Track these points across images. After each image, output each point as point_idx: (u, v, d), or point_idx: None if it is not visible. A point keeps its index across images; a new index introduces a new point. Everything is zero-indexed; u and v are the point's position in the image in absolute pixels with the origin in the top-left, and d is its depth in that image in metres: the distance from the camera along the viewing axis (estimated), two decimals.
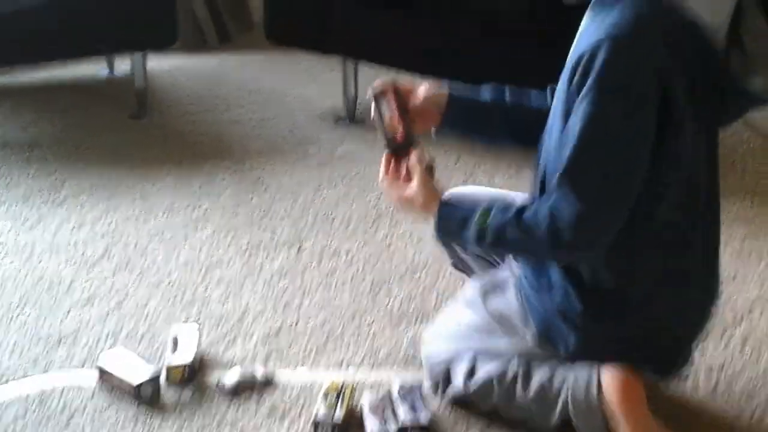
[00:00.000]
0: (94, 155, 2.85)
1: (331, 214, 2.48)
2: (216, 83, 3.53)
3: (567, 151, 1.40)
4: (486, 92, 1.69)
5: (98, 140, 2.96)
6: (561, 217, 1.40)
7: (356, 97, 3.13)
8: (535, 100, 1.67)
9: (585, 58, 1.37)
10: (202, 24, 3.92)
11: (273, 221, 2.45)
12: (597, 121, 1.37)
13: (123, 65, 3.47)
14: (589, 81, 1.37)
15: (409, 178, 1.57)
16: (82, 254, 2.26)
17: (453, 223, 1.53)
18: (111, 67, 3.60)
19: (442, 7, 2.76)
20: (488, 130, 1.70)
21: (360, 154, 2.86)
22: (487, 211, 1.49)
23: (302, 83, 3.52)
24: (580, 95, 1.38)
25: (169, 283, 2.14)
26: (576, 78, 1.39)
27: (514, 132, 1.68)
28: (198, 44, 3.92)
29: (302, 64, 3.64)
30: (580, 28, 1.49)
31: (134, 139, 2.97)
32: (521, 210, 1.46)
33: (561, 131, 1.43)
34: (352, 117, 3.13)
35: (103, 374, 1.75)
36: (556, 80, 1.50)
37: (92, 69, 3.60)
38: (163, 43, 3.18)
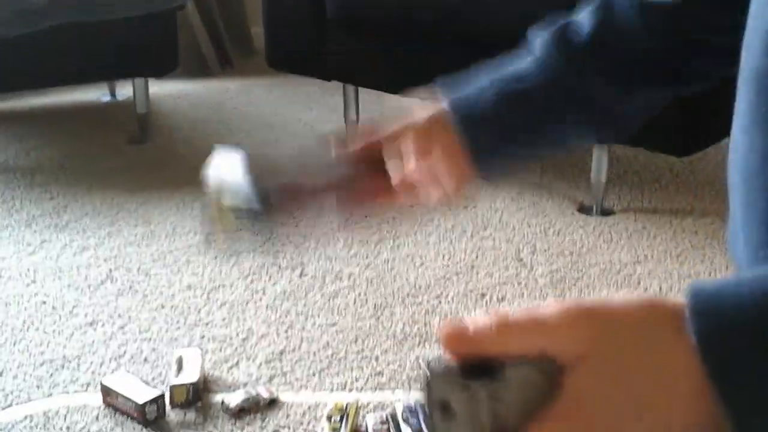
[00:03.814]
0: (96, 180, 2.86)
1: (334, 238, 2.49)
2: (218, 108, 3.55)
3: None
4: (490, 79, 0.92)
5: (100, 165, 2.97)
6: None
7: (357, 121, 3.14)
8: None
9: None
10: (203, 50, 3.94)
11: (275, 245, 2.45)
12: None
13: (124, 90, 3.49)
14: None
15: None
16: (85, 278, 2.26)
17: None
18: (113, 92, 3.62)
19: (437, 32, 2.78)
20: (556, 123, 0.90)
21: None
22: None
23: (304, 108, 3.54)
24: None
25: (172, 306, 2.14)
26: None
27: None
28: (199, 70, 3.94)
29: (303, 88, 3.65)
30: None
31: (136, 164, 2.98)
32: None
33: None
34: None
35: (108, 393, 1.75)
36: None
37: (94, 94, 3.62)
38: (165, 69, 3.20)
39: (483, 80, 0.90)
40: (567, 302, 0.49)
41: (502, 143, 0.88)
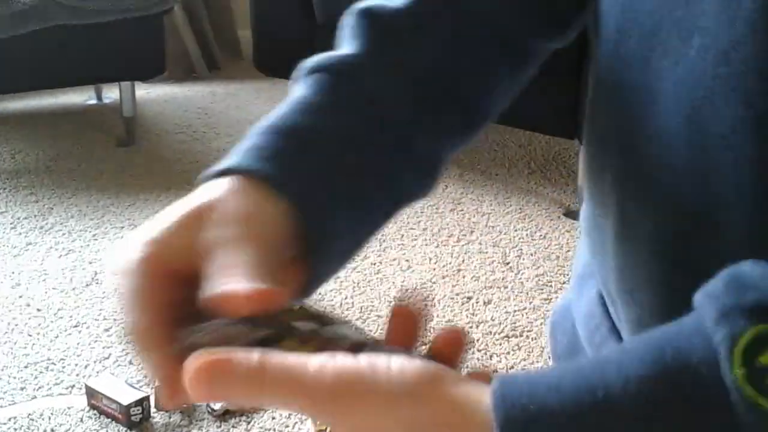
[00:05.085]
0: (82, 182, 2.85)
1: None
2: (205, 112, 3.54)
3: None
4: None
5: (86, 167, 2.96)
6: None
7: None
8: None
9: None
10: (190, 53, 3.94)
11: None
12: None
13: (111, 93, 3.48)
14: None
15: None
16: (70, 281, 2.25)
17: None
18: (99, 95, 3.61)
19: None
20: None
21: None
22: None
23: None
24: None
25: None
26: None
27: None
28: (187, 73, 3.93)
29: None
30: None
31: (122, 167, 2.98)
32: None
33: None
34: None
35: (92, 396, 1.74)
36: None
37: (79, 97, 3.61)
38: (152, 72, 3.19)
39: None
40: (326, 386, 0.43)
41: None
